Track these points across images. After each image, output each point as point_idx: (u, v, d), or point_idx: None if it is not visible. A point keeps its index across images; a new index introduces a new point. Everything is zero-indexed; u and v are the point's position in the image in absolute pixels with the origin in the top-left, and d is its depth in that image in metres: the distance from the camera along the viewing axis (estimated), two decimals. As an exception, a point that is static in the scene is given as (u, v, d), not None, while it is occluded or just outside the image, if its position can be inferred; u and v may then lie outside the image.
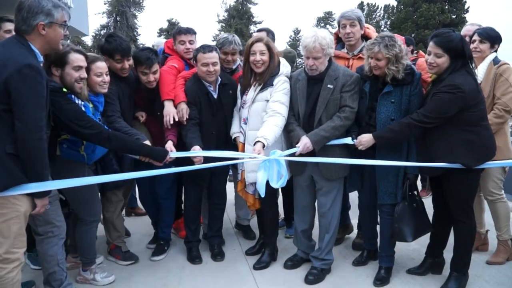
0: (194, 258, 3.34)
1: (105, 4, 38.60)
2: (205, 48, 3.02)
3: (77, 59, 2.53)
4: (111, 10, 38.36)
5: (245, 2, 42.67)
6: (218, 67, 3.06)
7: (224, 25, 42.22)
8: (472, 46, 3.11)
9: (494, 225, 3.33)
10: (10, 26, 3.06)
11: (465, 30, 3.49)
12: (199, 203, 3.41)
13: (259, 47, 2.94)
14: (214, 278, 3.07)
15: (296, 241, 3.27)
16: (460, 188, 2.72)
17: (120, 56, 2.95)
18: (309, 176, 3.02)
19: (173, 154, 2.83)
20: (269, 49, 2.96)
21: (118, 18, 38.41)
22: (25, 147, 2.03)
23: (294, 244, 3.30)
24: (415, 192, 2.94)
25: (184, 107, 3.06)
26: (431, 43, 2.61)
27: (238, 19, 41.50)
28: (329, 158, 2.82)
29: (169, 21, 41.90)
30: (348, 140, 2.83)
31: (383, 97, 2.80)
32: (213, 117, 3.15)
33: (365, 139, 2.75)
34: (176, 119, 3.01)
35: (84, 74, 2.58)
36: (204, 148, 2.94)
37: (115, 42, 2.93)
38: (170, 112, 3.02)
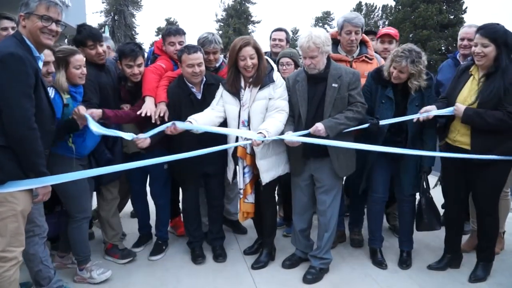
0: (196, 257, 3.31)
1: (103, 3, 38.59)
2: (190, 49, 2.99)
3: (44, 54, 2.48)
4: (109, 9, 38.32)
5: (243, 2, 42.69)
6: (203, 68, 3.04)
7: (222, 24, 42.24)
8: None
9: None
10: (7, 23, 3.04)
11: (464, 33, 3.44)
12: (195, 205, 3.38)
13: (248, 51, 2.84)
14: (213, 277, 3.07)
15: (294, 240, 3.26)
16: (499, 179, 2.83)
17: (92, 41, 3.00)
18: (309, 176, 3.02)
19: (148, 134, 2.70)
20: (257, 51, 2.89)
21: (116, 17, 38.37)
22: (14, 138, 2.01)
23: (292, 243, 3.30)
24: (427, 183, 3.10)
25: (163, 107, 3.03)
26: (477, 35, 2.72)
27: (237, 18, 41.53)
28: (340, 142, 2.75)
29: (167, 20, 41.94)
30: (449, 110, 2.78)
31: (411, 104, 2.93)
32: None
33: (459, 108, 2.72)
34: (152, 117, 2.94)
35: (51, 68, 2.60)
36: (186, 149, 2.68)
37: (85, 30, 3.04)
38: (148, 107, 2.99)
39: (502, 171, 2.81)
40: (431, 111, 2.81)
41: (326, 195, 2.98)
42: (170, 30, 3.45)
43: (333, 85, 2.83)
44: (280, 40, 4.02)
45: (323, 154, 2.88)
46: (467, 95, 2.80)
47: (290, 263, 3.21)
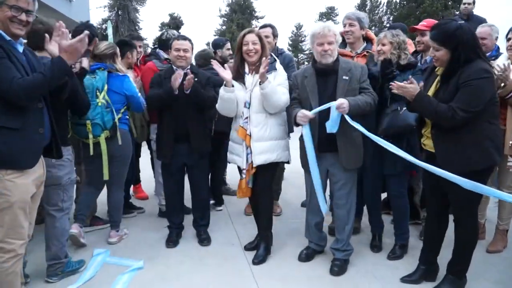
0: (169, 241, 3.54)
1: (106, -2, 38.47)
2: (179, 37, 3.50)
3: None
4: (113, 4, 38.22)
5: (247, -3, 42.43)
6: (188, 54, 3.40)
7: (226, 19, 42.06)
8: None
9: (497, 214, 3.42)
10: None
11: (480, 33, 3.44)
12: (177, 194, 3.57)
13: (251, 37, 3.09)
14: (213, 273, 3.07)
15: (308, 234, 3.31)
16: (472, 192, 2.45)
17: None
18: (324, 170, 3.05)
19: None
20: (261, 39, 3.12)
21: (119, 12, 38.31)
22: (25, 94, 2.07)
23: (306, 237, 3.34)
24: None
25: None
26: (429, 36, 2.54)
27: (240, 13, 41.32)
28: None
29: (170, 15, 41.76)
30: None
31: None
32: (175, 100, 3.33)
33: (412, 86, 2.52)
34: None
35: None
36: (164, 123, 3.42)
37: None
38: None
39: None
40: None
41: (343, 190, 3.04)
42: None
43: (344, 77, 2.92)
44: (266, 36, 4.01)
45: (337, 148, 2.94)
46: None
47: (306, 256, 3.26)
